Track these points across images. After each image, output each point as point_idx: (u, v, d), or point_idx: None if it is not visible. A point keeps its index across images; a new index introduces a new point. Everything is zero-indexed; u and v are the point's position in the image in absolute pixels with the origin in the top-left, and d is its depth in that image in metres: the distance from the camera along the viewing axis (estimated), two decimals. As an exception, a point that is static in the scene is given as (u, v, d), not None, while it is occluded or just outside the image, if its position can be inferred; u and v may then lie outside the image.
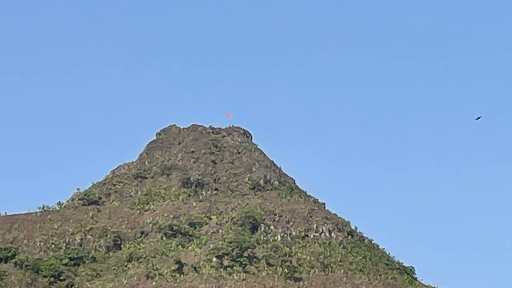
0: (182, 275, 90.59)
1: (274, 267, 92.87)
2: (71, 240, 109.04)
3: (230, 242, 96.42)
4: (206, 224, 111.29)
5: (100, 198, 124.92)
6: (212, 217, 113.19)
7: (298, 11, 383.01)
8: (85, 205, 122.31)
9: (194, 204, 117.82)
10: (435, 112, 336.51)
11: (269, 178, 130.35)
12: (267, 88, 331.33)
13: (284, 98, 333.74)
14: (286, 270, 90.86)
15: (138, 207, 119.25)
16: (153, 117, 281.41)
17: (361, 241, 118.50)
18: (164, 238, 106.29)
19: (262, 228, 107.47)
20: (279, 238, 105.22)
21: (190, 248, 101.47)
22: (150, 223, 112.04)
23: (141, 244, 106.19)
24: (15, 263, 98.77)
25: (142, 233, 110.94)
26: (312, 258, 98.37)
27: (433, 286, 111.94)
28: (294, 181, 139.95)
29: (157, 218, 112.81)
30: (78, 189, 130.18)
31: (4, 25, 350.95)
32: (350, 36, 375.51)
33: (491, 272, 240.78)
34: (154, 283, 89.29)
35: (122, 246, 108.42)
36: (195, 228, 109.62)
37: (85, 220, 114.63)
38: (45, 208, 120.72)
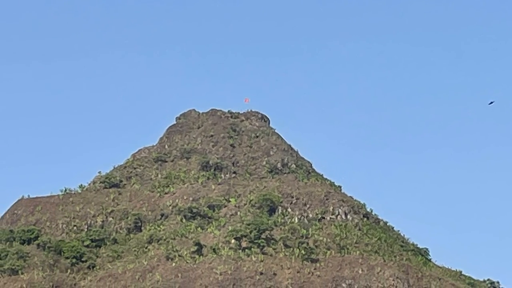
0: (201, 257, 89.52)
1: (291, 249, 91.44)
2: (92, 222, 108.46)
3: (248, 224, 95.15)
4: (225, 206, 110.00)
5: (121, 181, 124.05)
6: (230, 199, 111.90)
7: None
8: (106, 188, 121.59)
9: (213, 187, 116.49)
10: (449, 96, 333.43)
11: (287, 161, 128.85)
12: (285, 74, 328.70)
13: (301, 83, 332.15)
14: (303, 251, 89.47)
15: (158, 190, 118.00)
16: (172, 101, 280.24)
17: (376, 223, 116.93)
18: (184, 220, 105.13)
19: (280, 211, 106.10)
20: (296, 220, 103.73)
21: (209, 230, 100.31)
22: (170, 205, 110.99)
23: (161, 226, 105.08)
24: (38, 244, 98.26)
25: (162, 215, 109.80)
26: (329, 240, 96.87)
27: (447, 267, 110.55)
28: (311, 164, 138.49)
29: (177, 200, 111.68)
30: (99, 172, 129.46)
31: (28, 13, 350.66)
32: (365, 21, 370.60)
33: (504, 253, 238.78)
34: (173, 264, 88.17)
35: (142, 228, 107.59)
36: (214, 211, 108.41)
37: (107, 203, 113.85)
38: (67, 191, 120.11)
